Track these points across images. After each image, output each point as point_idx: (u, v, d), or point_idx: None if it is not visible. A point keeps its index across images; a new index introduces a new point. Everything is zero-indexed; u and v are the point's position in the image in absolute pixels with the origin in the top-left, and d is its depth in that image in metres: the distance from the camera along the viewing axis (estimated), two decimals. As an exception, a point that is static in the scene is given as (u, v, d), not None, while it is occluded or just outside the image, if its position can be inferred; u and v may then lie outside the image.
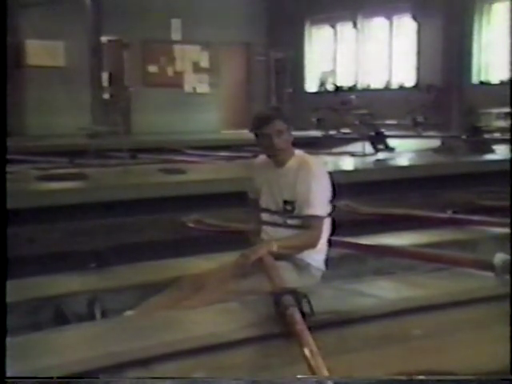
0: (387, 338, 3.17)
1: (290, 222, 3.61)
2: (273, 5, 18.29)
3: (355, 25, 17.22)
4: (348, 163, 9.20)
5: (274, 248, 3.45)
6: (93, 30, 14.99)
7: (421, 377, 2.52)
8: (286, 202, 3.61)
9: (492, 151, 9.75)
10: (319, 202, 3.55)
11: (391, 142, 10.65)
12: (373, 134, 10.71)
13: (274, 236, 3.62)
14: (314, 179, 3.56)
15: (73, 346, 2.85)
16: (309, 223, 3.54)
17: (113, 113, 13.66)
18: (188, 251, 4.79)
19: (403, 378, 2.60)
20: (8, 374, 2.33)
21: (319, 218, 3.56)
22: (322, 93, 17.23)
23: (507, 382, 2.57)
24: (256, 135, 3.67)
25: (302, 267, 3.59)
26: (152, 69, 16.93)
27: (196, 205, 6.13)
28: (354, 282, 3.88)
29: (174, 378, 2.57)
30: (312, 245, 3.58)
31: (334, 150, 11.17)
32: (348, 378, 2.38)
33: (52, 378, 2.43)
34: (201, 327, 3.07)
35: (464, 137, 10.52)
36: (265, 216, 3.72)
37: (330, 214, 3.67)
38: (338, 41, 17.94)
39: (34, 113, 14.79)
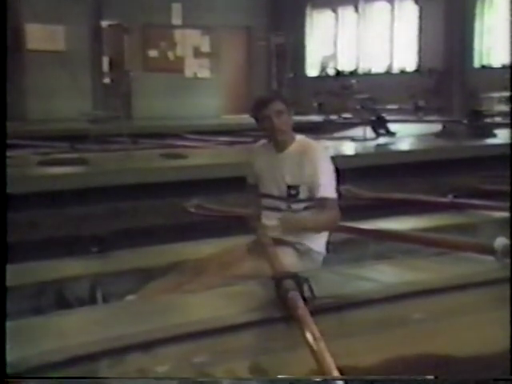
0: (388, 322, 3.18)
1: (294, 206, 3.60)
2: (273, -11, 18.19)
3: (356, 9, 17.14)
4: (349, 148, 9.19)
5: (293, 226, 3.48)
6: (93, 15, 14.95)
7: (421, 377, 2.54)
8: (289, 187, 3.59)
9: (493, 135, 9.74)
10: (330, 183, 3.55)
11: (392, 127, 10.65)
12: (374, 118, 10.71)
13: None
14: (322, 162, 3.56)
15: (74, 330, 2.86)
16: (325, 204, 3.51)
17: (113, 97, 13.62)
18: (189, 236, 4.79)
19: (403, 377, 2.63)
20: (9, 359, 2.34)
21: (333, 200, 3.55)
22: (322, 77, 17.16)
23: (507, 383, 2.59)
24: (256, 119, 3.66)
25: (303, 252, 3.59)
26: (152, 53, 16.85)
27: (197, 190, 6.14)
28: (355, 266, 3.89)
29: (174, 378, 2.63)
30: (332, 226, 3.60)
31: (335, 135, 11.16)
32: (348, 378, 2.40)
33: (52, 378, 2.43)
34: (202, 311, 3.08)
35: (465, 121, 10.51)
36: (266, 201, 3.71)
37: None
38: (340, 25, 17.86)
39: (35, 97, 14.72)
